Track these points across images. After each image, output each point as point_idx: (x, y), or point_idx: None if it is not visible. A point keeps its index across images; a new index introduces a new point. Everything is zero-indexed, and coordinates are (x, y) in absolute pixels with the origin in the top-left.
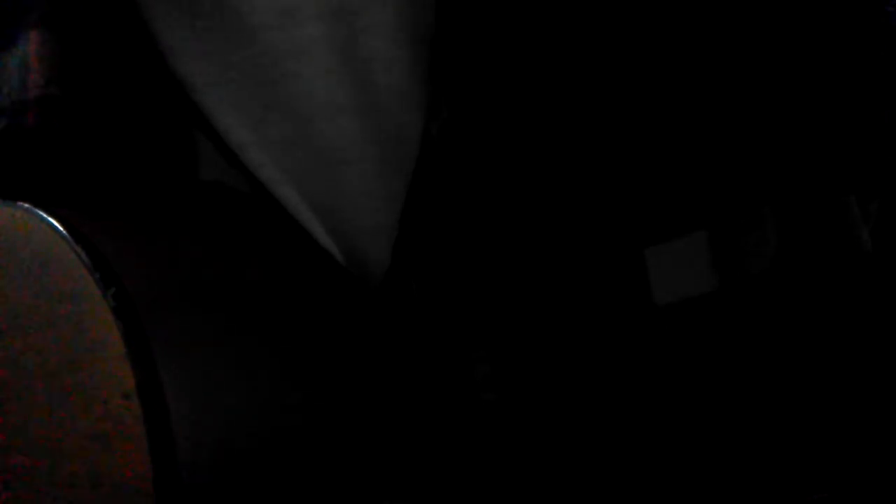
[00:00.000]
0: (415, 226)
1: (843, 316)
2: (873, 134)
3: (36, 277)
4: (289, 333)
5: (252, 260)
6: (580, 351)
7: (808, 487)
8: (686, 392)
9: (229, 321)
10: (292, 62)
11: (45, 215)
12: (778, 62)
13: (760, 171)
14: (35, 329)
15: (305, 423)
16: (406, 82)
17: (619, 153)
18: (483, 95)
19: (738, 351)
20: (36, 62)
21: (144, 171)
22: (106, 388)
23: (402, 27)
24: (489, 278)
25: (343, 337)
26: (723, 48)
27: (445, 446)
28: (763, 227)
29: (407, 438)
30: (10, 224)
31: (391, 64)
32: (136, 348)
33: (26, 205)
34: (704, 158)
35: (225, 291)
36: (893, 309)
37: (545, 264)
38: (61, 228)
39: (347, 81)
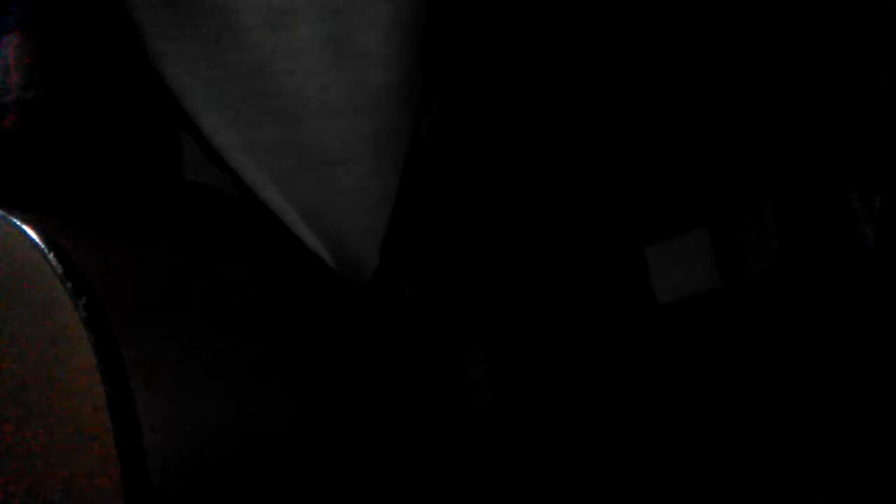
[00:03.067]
0: (405, 224)
1: (845, 312)
2: (875, 128)
3: (8, 285)
4: (272, 339)
5: (235, 264)
6: (577, 351)
7: (809, 487)
8: (686, 392)
9: (208, 329)
10: (284, 62)
11: (17, 221)
12: (778, 56)
13: (762, 167)
14: (7, 338)
15: (288, 430)
16: (401, 79)
17: (616, 150)
18: (475, 90)
19: (739, 348)
20: (15, 65)
21: (126, 174)
22: (77, 400)
23: (397, 23)
24: (483, 277)
25: (332, 340)
26: (721, 43)
27: (440, 448)
28: (765, 223)
29: (400, 442)
30: None
31: (386, 61)
32: (107, 360)
33: (0, 210)
34: (704, 155)
35: (204, 298)
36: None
37: (541, 262)
38: (34, 235)
39: (341, 80)
